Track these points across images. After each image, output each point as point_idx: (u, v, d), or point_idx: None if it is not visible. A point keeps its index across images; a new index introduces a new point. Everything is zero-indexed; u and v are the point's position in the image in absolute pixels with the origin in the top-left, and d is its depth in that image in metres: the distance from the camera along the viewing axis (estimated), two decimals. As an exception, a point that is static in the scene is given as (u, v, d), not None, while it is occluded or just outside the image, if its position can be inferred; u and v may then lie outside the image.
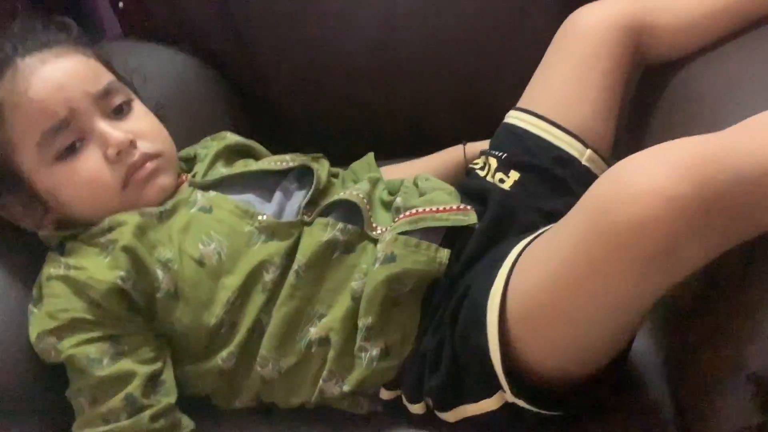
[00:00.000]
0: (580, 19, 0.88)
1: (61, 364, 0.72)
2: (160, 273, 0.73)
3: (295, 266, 0.74)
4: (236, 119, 1.13)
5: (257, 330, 0.74)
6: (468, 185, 0.85)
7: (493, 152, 0.87)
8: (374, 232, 0.76)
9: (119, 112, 0.80)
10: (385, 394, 0.75)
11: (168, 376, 0.74)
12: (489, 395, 0.68)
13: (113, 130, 0.77)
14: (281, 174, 0.83)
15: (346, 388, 0.73)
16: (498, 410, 0.69)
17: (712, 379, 0.61)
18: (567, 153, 0.84)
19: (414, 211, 0.76)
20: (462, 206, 0.78)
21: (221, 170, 0.84)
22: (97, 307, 0.71)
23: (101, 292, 0.71)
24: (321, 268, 0.74)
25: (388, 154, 1.02)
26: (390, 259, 0.72)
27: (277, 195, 0.80)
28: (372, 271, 0.72)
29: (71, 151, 0.76)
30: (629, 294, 0.60)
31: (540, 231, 0.70)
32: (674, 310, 0.73)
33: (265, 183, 0.81)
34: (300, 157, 0.86)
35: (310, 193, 0.79)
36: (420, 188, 0.83)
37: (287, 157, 0.86)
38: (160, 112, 0.87)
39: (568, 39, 0.88)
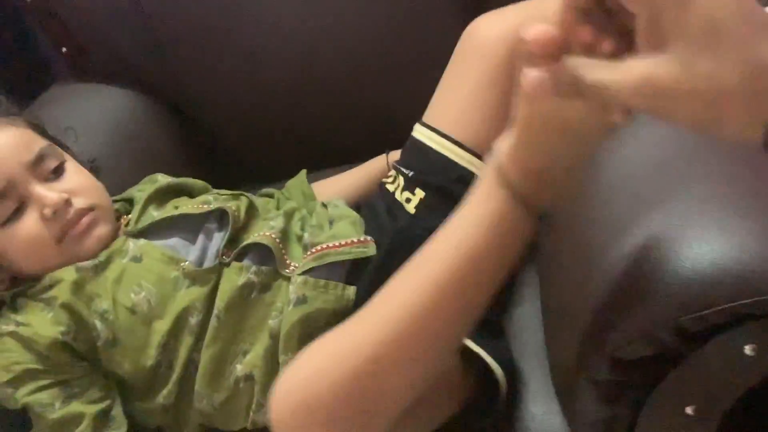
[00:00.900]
0: (477, 33, 0.89)
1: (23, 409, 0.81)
2: (98, 324, 0.81)
3: (215, 311, 0.81)
4: (181, 152, 1.20)
5: (191, 367, 0.82)
6: (376, 206, 0.92)
7: (402, 169, 0.93)
8: (287, 270, 0.84)
9: (54, 174, 0.87)
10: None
11: (117, 411, 0.82)
12: None
13: (48, 192, 0.84)
14: (204, 216, 0.90)
15: None
16: None
17: (566, 382, 0.69)
18: (468, 171, 0.88)
19: (319, 247, 0.84)
20: (363, 239, 0.85)
21: (153, 214, 0.91)
22: (45, 358, 0.80)
23: (46, 346, 0.79)
24: (240, 310, 0.82)
25: (321, 167, 1.11)
26: (302, 300, 0.79)
27: (200, 238, 0.87)
28: (287, 312, 0.80)
29: (15, 214, 0.84)
30: None
31: None
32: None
33: (190, 225, 0.89)
34: (222, 196, 0.93)
35: (227, 234, 0.86)
36: (330, 214, 0.91)
37: (210, 197, 0.93)
38: (94, 164, 0.94)
39: (466, 53, 0.90)
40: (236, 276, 0.83)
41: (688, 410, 0.60)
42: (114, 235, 0.90)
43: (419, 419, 0.72)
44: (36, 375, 0.80)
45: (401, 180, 0.93)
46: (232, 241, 0.87)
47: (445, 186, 0.89)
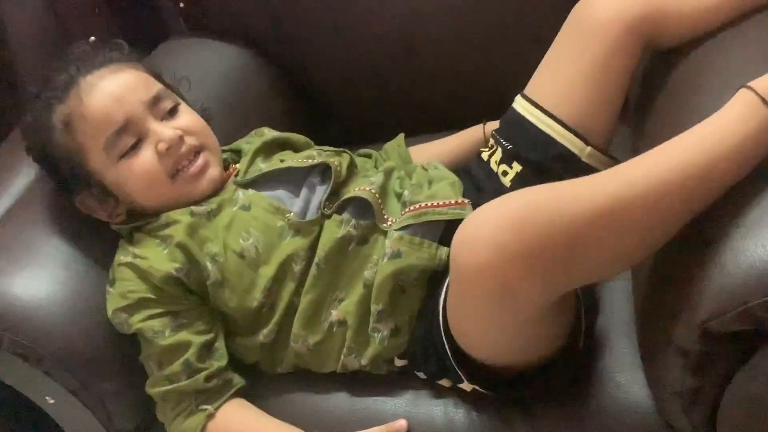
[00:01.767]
0: (591, 11, 0.87)
1: (134, 334, 0.88)
2: (209, 265, 0.87)
3: (316, 259, 0.86)
4: (285, 109, 1.25)
5: (291, 311, 0.87)
6: (475, 172, 0.95)
7: (502, 141, 0.94)
8: (385, 224, 0.87)
9: (169, 114, 0.93)
10: (398, 362, 0.87)
11: (220, 344, 0.89)
12: (460, 380, 0.80)
13: (164, 129, 0.90)
14: (308, 169, 0.94)
15: (363, 361, 0.86)
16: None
17: (654, 352, 0.71)
18: (568, 150, 0.88)
19: (418, 206, 0.87)
20: (460, 201, 0.88)
21: (260, 166, 0.96)
22: (158, 290, 0.86)
23: (160, 279, 0.86)
24: (338, 260, 0.86)
25: (418, 133, 1.14)
26: (396, 255, 0.83)
27: (304, 190, 0.92)
28: (381, 265, 0.84)
29: (132, 149, 0.90)
30: (501, 322, 0.69)
31: None
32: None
33: (294, 178, 0.93)
34: (325, 152, 0.97)
35: (329, 188, 0.90)
36: (429, 175, 0.94)
37: (314, 152, 0.97)
38: (205, 113, 1.00)
39: (577, 31, 0.89)
40: (336, 228, 0.87)
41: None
42: (223, 181, 0.95)
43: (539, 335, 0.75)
44: (149, 304, 0.86)
45: (500, 152, 0.95)
46: (334, 195, 0.91)
47: (543, 163, 0.90)
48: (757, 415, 0.64)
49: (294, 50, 1.27)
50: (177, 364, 0.86)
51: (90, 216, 0.94)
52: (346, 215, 0.88)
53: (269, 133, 1.03)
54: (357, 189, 0.90)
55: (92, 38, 1.06)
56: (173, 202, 0.91)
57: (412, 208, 0.87)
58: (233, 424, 0.87)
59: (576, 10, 0.90)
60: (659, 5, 0.86)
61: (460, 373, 0.79)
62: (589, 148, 0.89)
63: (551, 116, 0.90)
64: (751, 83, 0.68)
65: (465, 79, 1.23)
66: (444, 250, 0.84)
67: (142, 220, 0.92)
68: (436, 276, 0.84)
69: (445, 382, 0.85)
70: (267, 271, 0.87)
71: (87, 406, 0.90)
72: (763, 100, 0.66)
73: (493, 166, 0.94)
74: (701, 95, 0.78)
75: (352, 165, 0.96)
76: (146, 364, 0.89)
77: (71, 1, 1.32)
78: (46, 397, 0.91)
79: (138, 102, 0.90)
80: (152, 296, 0.86)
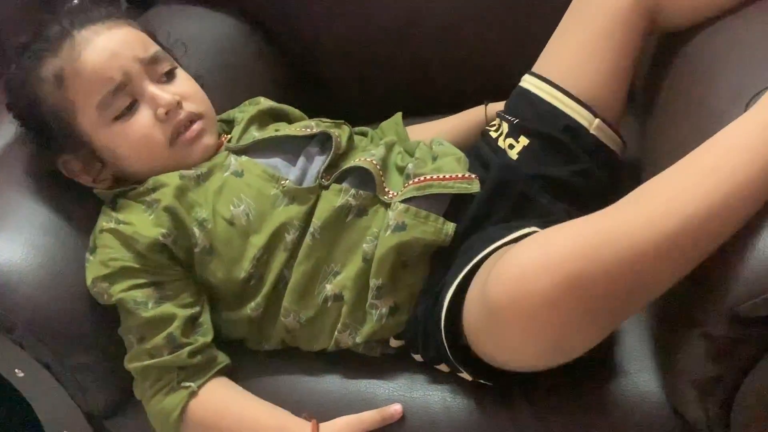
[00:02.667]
0: None
1: (114, 305, 0.82)
2: (197, 231, 0.82)
3: (311, 229, 0.82)
4: (278, 81, 1.20)
5: (281, 283, 0.83)
6: (480, 150, 0.92)
7: (507, 117, 0.92)
8: (386, 197, 0.83)
9: (166, 78, 0.88)
10: (393, 343, 0.83)
11: (205, 318, 0.84)
12: (460, 370, 0.77)
13: (162, 92, 0.85)
14: (306, 139, 0.90)
15: (358, 339, 0.82)
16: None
17: (674, 337, 0.68)
18: (575, 122, 0.88)
19: (422, 178, 0.83)
20: (467, 175, 0.84)
21: (254, 134, 0.92)
22: (143, 258, 0.81)
23: (145, 245, 0.80)
24: (335, 231, 0.82)
25: (415, 114, 1.09)
26: (400, 227, 0.79)
27: (301, 159, 0.88)
28: (383, 237, 0.80)
29: (127, 111, 0.85)
30: (541, 359, 0.66)
31: (513, 236, 0.75)
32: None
33: (291, 147, 0.89)
34: (324, 123, 0.93)
35: (328, 158, 0.86)
36: (433, 151, 0.90)
37: (312, 123, 0.93)
38: (199, 80, 0.94)
39: (585, 6, 0.90)
40: (335, 197, 0.83)
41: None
42: (216, 150, 0.91)
43: None
44: (132, 273, 0.81)
45: (505, 127, 0.92)
46: (332, 167, 0.86)
47: (551, 134, 0.88)
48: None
49: (291, 23, 1.22)
50: (159, 338, 0.81)
51: (71, 180, 0.88)
52: (345, 184, 0.84)
53: (265, 103, 0.99)
54: (358, 160, 0.86)
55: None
56: (164, 169, 0.86)
57: (416, 180, 0.83)
58: (217, 403, 0.82)
59: None
60: None
61: (464, 371, 0.76)
62: (597, 121, 0.88)
63: (559, 88, 0.89)
64: None
65: (467, 59, 1.19)
66: (450, 225, 0.80)
67: (127, 186, 0.87)
68: (439, 253, 0.81)
69: (443, 368, 0.81)
70: (257, 240, 0.82)
71: (59, 380, 0.85)
72: None
73: (500, 143, 0.91)
74: (716, 96, 0.77)
75: (351, 138, 0.92)
76: (125, 338, 0.83)
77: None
78: (15, 370, 0.86)
79: (136, 61, 0.85)
80: (136, 265, 0.81)
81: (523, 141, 0.89)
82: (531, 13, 1.13)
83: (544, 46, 0.94)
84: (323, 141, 0.90)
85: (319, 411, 0.81)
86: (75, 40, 0.84)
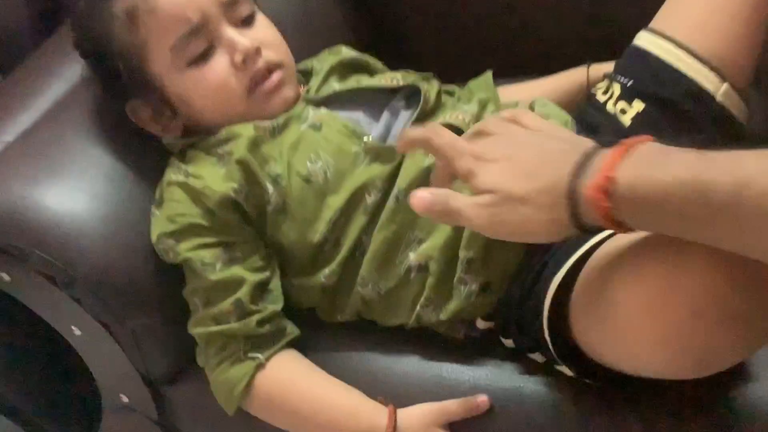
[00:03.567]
0: None
1: (179, 265, 0.76)
2: (270, 187, 0.75)
3: (395, 190, 0.74)
4: (358, 32, 1.11)
5: (359, 250, 0.76)
6: (586, 115, 0.82)
7: (619, 77, 0.83)
8: None
9: (245, 22, 0.80)
10: (481, 324, 0.75)
11: (275, 285, 0.77)
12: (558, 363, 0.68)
13: (241, 38, 0.78)
14: (391, 92, 0.82)
15: (442, 316, 0.74)
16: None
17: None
18: (701, 86, 0.78)
19: None
20: None
21: (334, 85, 0.84)
22: (212, 215, 0.74)
23: (215, 201, 0.74)
24: None
25: (509, 75, 0.99)
26: None
27: (385, 114, 0.80)
28: None
29: (202, 57, 0.77)
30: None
31: None
32: None
33: (374, 101, 0.81)
34: (411, 75, 0.85)
35: (416, 114, 0.78)
36: (535, 112, 0.81)
37: (398, 75, 0.84)
38: (279, 27, 0.86)
39: None
40: (422, 156, 0.74)
41: None
42: (294, 101, 0.83)
43: None
44: (200, 231, 0.75)
45: (617, 89, 0.82)
46: (419, 123, 0.78)
47: (672, 99, 0.79)
48: None
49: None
50: (227, 303, 0.74)
51: (139, 128, 0.82)
52: None
53: (346, 52, 0.91)
54: (449, 115, 0.78)
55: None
56: (239, 120, 0.78)
57: None
58: (285, 377, 0.76)
59: None
60: None
61: (566, 366, 0.67)
62: (725, 86, 0.78)
63: (681, 47, 0.79)
64: None
65: (571, 9, 1.07)
66: None
67: (198, 136, 0.80)
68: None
69: (537, 357, 0.72)
70: (335, 201, 0.75)
71: (118, 341, 0.79)
72: None
73: (610, 107, 0.81)
74: None
75: (439, 94, 0.83)
76: (190, 300, 0.77)
77: None
78: (72, 327, 0.80)
79: (214, 2, 0.77)
80: (204, 222, 0.75)
81: (638, 106, 0.80)
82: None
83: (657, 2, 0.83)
84: (410, 95, 0.82)
85: (394, 395, 0.74)
86: None
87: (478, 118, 0.79)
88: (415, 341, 0.77)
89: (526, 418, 0.70)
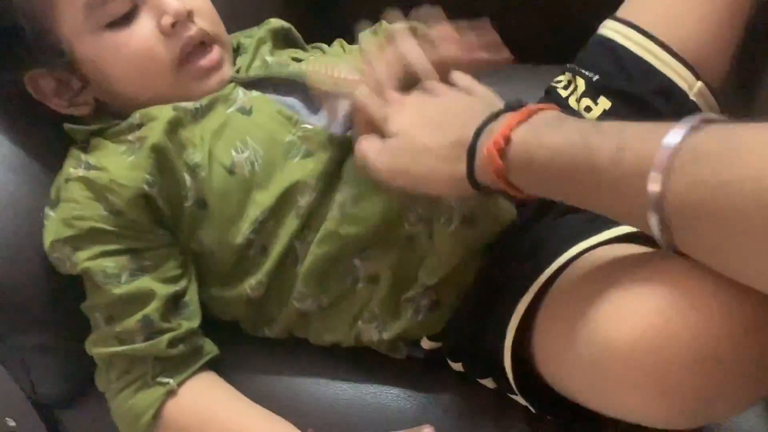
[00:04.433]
0: None
1: (78, 274, 0.66)
2: (187, 179, 0.65)
3: (339, 199, 0.65)
4: (286, 7, 1.01)
5: (290, 258, 0.67)
6: None
7: (583, 71, 0.76)
8: None
9: None
10: (427, 344, 0.68)
11: (192, 297, 0.68)
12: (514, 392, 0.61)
13: None
14: None
15: (386, 335, 0.66)
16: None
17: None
18: (674, 83, 0.72)
19: None
20: None
21: (266, 58, 0.74)
22: (118, 216, 0.64)
23: (124, 198, 0.63)
24: None
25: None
26: (470, 220, 0.63)
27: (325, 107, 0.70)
28: (446, 234, 0.64)
29: (124, 19, 0.66)
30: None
31: (605, 236, 0.60)
32: None
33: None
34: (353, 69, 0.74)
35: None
36: None
37: (342, 66, 0.74)
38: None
39: None
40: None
41: None
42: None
43: None
44: (103, 236, 0.64)
45: (580, 83, 0.75)
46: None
47: (641, 97, 0.72)
48: None
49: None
50: (133, 320, 0.64)
51: (39, 106, 0.69)
52: None
53: (276, 22, 0.80)
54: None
55: None
56: (162, 98, 0.68)
57: None
58: (200, 406, 0.66)
59: None
60: None
61: (526, 402, 0.60)
62: (699, 83, 0.73)
63: (653, 39, 0.73)
64: None
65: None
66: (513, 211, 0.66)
67: (107, 121, 0.68)
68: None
69: (488, 383, 0.65)
70: (263, 199, 0.65)
71: (1, 361, 0.69)
72: None
73: (572, 104, 0.74)
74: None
75: None
76: (90, 316, 0.67)
77: None
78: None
79: None
80: (108, 226, 0.64)
81: (604, 103, 0.74)
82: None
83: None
84: None
85: (327, 424, 0.66)
86: None
87: None
88: (350, 361, 0.70)
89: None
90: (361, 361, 0.69)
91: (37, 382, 0.70)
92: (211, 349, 0.69)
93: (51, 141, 0.71)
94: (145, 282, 0.65)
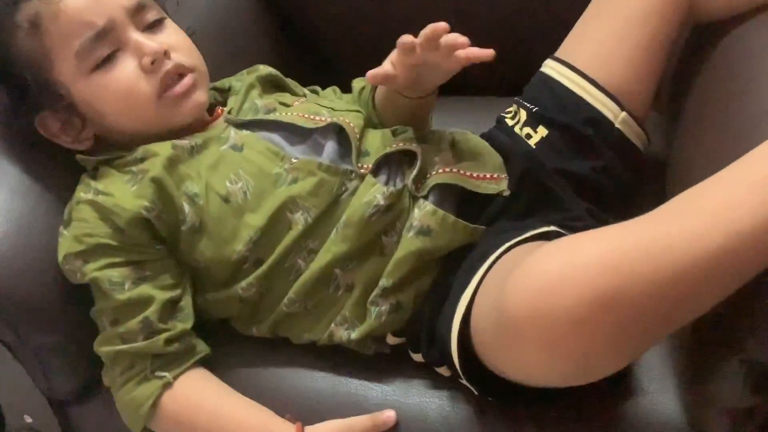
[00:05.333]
0: None
1: (87, 284, 0.75)
2: (186, 206, 0.75)
3: (337, 222, 0.74)
4: (275, 49, 1.12)
5: (284, 269, 0.75)
6: (496, 139, 0.85)
7: (525, 104, 0.86)
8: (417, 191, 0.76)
9: (152, 27, 0.80)
10: (391, 340, 0.77)
11: (186, 303, 0.77)
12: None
13: (147, 41, 0.77)
14: (314, 129, 0.80)
15: (354, 335, 0.75)
16: None
17: (709, 361, 0.61)
18: (600, 113, 0.82)
19: (448, 169, 0.77)
20: (496, 175, 0.78)
21: (255, 101, 0.84)
22: (121, 234, 0.73)
23: (125, 220, 0.73)
24: (359, 228, 0.74)
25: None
26: (425, 232, 0.72)
27: (309, 143, 0.79)
28: (405, 238, 0.73)
29: (108, 61, 0.76)
30: (558, 379, 0.60)
31: (527, 234, 0.70)
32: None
33: (294, 129, 0.80)
34: (335, 110, 0.83)
35: (353, 150, 0.77)
36: (455, 140, 0.82)
37: (325, 111, 0.82)
38: (191, 36, 0.85)
39: None
40: (371, 190, 0.75)
41: None
42: (209, 119, 0.83)
43: None
44: (109, 251, 0.74)
45: (523, 114, 0.86)
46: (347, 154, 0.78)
47: (573, 126, 0.82)
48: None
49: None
50: (134, 322, 0.73)
51: (52, 143, 0.80)
52: (380, 182, 0.76)
53: (265, 69, 0.91)
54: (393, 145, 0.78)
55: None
56: (151, 129, 0.78)
57: (440, 170, 0.77)
58: (193, 396, 0.75)
59: None
60: None
61: (472, 388, 0.69)
62: (623, 114, 0.82)
63: (583, 76, 0.83)
64: None
65: (481, 39, 1.11)
66: (481, 228, 0.74)
67: (113, 152, 0.79)
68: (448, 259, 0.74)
69: (444, 371, 0.74)
70: (254, 220, 0.75)
71: (20, 361, 0.78)
72: None
73: (517, 131, 0.85)
74: (758, 97, 0.70)
75: (366, 126, 0.82)
76: (98, 320, 0.76)
77: None
78: (-28, 347, 0.78)
79: (120, 7, 0.76)
80: (113, 242, 0.74)
81: (542, 131, 0.84)
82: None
83: (569, 29, 0.87)
84: (336, 130, 0.80)
85: (303, 412, 0.75)
86: None
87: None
88: (326, 357, 0.78)
89: (428, 432, 0.72)
90: (335, 356, 0.77)
91: (53, 381, 0.78)
92: (203, 348, 0.77)
93: (59, 171, 0.80)
94: (146, 289, 0.74)
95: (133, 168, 0.76)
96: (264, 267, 0.75)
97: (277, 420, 0.74)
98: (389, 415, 0.73)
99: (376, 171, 0.77)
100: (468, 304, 0.66)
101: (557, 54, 0.87)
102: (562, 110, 0.83)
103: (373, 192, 0.74)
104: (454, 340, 0.67)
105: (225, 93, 0.89)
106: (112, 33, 0.76)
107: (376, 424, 0.72)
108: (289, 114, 0.82)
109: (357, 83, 0.90)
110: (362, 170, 0.76)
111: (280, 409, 0.75)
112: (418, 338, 0.74)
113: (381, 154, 0.77)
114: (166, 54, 0.77)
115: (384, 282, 0.73)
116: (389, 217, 0.74)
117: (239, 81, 0.89)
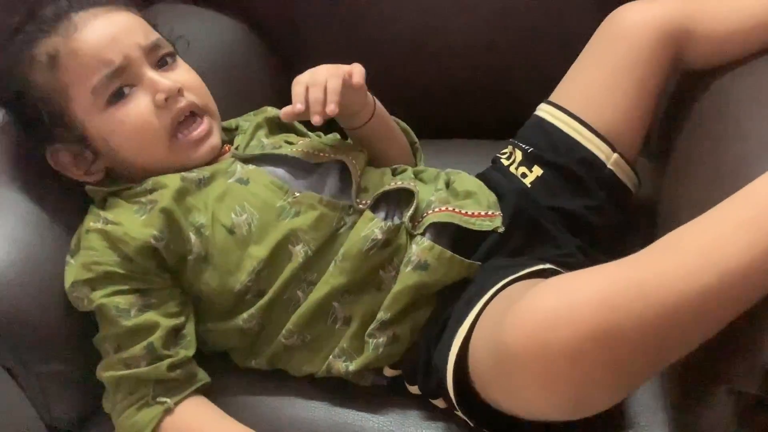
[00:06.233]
0: (622, 19, 0.86)
1: (91, 311, 0.77)
2: (193, 237, 0.77)
3: (335, 255, 0.77)
4: (279, 89, 1.15)
5: (284, 301, 0.78)
6: (491, 178, 0.87)
7: (521, 144, 0.89)
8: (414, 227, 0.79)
9: (166, 66, 0.83)
10: (388, 372, 0.78)
11: (189, 330, 0.78)
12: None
13: (162, 78, 0.80)
14: (317, 164, 0.84)
15: (351, 367, 0.76)
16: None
17: (696, 391, 0.64)
18: (593, 155, 0.85)
19: (444, 207, 0.79)
20: (491, 212, 0.81)
21: (262, 140, 0.87)
22: (129, 262, 0.75)
23: (134, 248, 0.75)
24: (358, 260, 0.76)
25: (422, 137, 1.04)
26: (422, 266, 0.75)
27: (314, 177, 0.82)
28: (403, 273, 0.75)
29: (122, 96, 0.79)
30: (555, 413, 0.61)
31: (524, 271, 0.72)
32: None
33: (298, 164, 0.83)
34: (339, 148, 0.86)
35: (353, 188, 0.80)
36: (451, 179, 0.85)
37: (329, 148, 0.85)
38: (202, 77, 0.88)
39: (608, 37, 0.87)
40: (369, 225, 0.77)
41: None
42: (215, 159, 0.85)
43: None
44: (116, 278, 0.76)
45: (518, 155, 0.89)
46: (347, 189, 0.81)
47: (566, 166, 0.85)
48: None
49: (297, 34, 1.17)
50: (138, 348, 0.75)
51: (59, 174, 0.82)
52: (378, 217, 0.79)
53: (272, 111, 0.94)
54: (395, 183, 0.82)
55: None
56: (163, 166, 0.80)
57: (436, 209, 0.79)
58: (194, 423, 0.77)
59: (608, 18, 0.89)
60: (692, 18, 0.84)
61: (467, 420, 0.71)
62: (615, 155, 0.85)
63: (577, 119, 0.86)
64: None
65: (479, 85, 1.15)
66: (476, 264, 0.77)
67: (121, 184, 0.81)
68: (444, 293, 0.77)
69: (439, 403, 0.76)
70: (258, 252, 0.77)
71: (22, 387, 0.78)
72: None
73: (512, 170, 0.88)
74: (745, 141, 0.73)
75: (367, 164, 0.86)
76: (101, 346, 0.77)
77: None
78: (-25, 372, 0.79)
79: (135, 46, 0.80)
80: (121, 270, 0.76)
81: (537, 171, 0.86)
82: (549, 40, 1.10)
83: (562, 75, 0.91)
84: (338, 167, 0.83)
85: (301, 441, 0.76)
86: (73, 21, 0.79)
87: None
88: (324, 388, 0.79)
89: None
90: (333, 388, 0.79)
91: (53, 407, 0.79)
92: (203, 376, 0.79)
93: (67, 201, 0.82)
94: (151, 316, 0.75)
95: (142, 198, 0.78)
96: (265, 298, 0.77)
97: None
98: None
99: (374, 207, 0.80)
100: (465, 337, 0.68)
101: (551, 98, 0.90)
102: (556, 151, 0.86)
103: (372, 226, 0.77)
104: (450, 372, 0.69)
105: (232, 132, 0.92)
106: (128, 70, 0.79)
107: (373, 453, 0.74)
108: (294, 149, 0.85)
109: None
110: (361, 205, 0.79)
111: (278, 438, 0.76)
112: (415, 370, 0.76)
113: (379, 191, 0.80)
114: (179, 92, 0.80)
115: (382, 315, 0.75)
116: (387, 253, 0.77)
117: (247, 121, 0.93)
